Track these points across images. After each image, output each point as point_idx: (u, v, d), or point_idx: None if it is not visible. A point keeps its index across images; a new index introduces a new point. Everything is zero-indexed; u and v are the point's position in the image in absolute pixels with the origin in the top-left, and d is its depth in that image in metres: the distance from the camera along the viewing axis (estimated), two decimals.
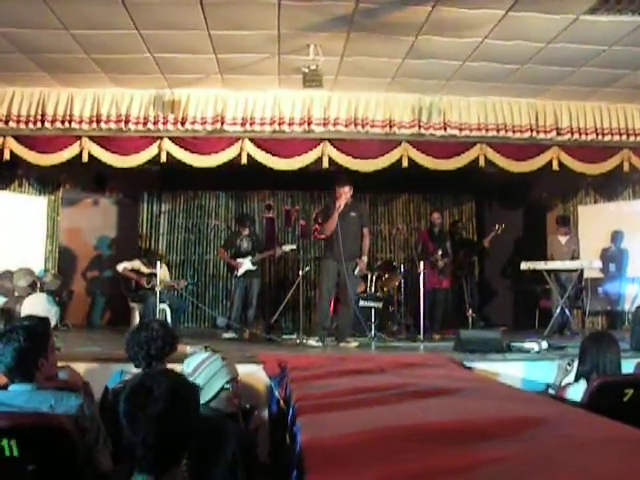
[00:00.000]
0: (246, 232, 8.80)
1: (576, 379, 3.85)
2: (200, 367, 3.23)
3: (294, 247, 9.14)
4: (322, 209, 8.44)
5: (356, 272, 7.32)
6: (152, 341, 3.27)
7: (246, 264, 8.53)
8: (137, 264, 8.65)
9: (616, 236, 9.40)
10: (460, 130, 7.68)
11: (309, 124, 7.55)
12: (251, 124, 7.50)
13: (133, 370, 3.37)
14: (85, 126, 7.39)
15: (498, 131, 7.71)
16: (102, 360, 5.29)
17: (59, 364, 3.65)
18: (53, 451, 2.31)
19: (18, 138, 7.48)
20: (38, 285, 8.35)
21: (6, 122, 7.34)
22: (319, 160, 7.78)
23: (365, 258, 7.44)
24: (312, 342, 7.01)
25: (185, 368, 3.21)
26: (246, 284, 8.64)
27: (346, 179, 7.43)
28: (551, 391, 4.30)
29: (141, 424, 1.78)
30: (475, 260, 10.17)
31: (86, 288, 10.48)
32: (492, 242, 9.43)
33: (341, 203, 7.12)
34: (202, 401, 2.64)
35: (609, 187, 9.68)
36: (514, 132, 7.74)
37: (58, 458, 2.32)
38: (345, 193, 7.19)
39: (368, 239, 7.56)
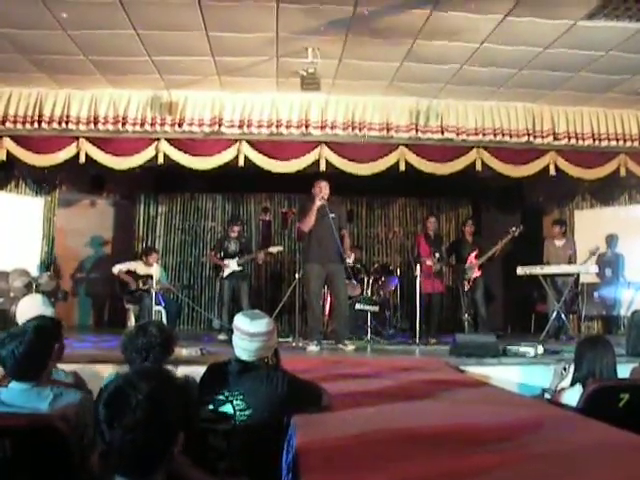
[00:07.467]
0: (235, 234, 8.81)
1: (572, 384, 3.85)
2: None
3: (281, 249, 9.12)
4: (298, 208, 8.37)
5: (350, 261, 7.45)
6: (151, 348, 3.20)
7: (232, 265, 8.53)
8: (134, 265, 8.65)
9: (610, 240, 9.41)
10: (457, 134, 7.68)
11: (307, 127, 7.55)
12: (248, 126, 7.50)
13: None
14: (82, 127, 7.37)
15: (495, 135, 7.72)
16: (98, 362, 5.28)
17: (65, 368, 3.63)
18: (47, 453, 2.30)
19: (15, 138, 7.45)
20: (34, 286, 8.31)
21: (3, 122, 7.32)
22: (316, 163, 7.76)
23: (351, 254, 7.60)
24: (312, 347, 6.95)
25: None
26: (233, 285, 8.63)
27: (322, 175, 7.47)
28: (547, 396, 4.29)
29: (118, 432, 1.71)
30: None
31: (82, 289, 10.46)
32: (504, 249, 8.67)
33: (323, 195, 7.06)
34: None
35: (606, 192, 9.70)
36: (511, 136, 7.75)
37: (52, 460, 2.31)
38: (324, 187, 7.12)
39: (348, 239, 7.59)
